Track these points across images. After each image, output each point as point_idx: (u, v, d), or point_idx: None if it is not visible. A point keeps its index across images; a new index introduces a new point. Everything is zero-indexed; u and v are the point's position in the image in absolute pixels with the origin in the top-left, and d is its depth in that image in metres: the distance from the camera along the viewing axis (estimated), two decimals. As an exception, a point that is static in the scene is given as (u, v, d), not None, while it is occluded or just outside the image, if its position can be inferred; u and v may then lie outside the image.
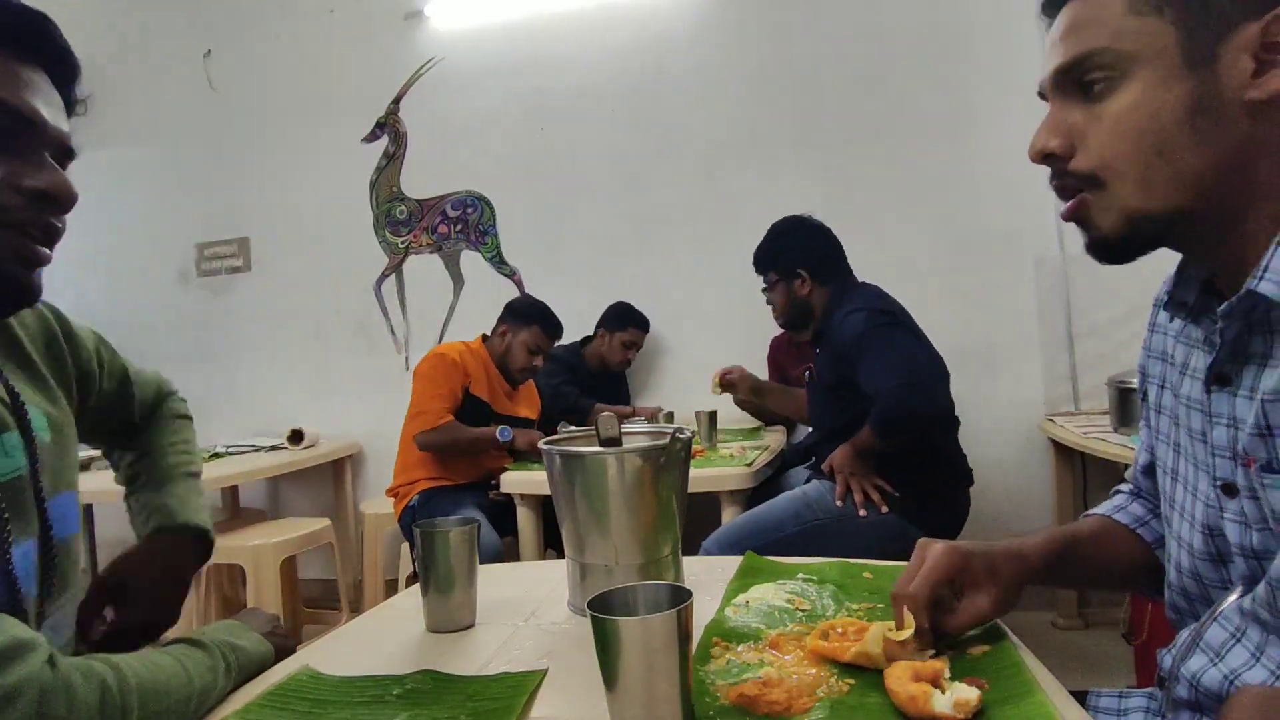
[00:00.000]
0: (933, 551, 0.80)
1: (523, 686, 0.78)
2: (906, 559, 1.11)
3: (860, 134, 3.21)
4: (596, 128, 3.50)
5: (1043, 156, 0.71)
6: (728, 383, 2.73)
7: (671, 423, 2.32)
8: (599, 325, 3.25)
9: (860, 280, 2.27)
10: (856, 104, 3.21)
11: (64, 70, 0.75)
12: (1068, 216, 0.72)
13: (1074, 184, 0.70)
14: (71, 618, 0.88)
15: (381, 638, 0.98)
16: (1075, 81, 0.69)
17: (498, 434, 2.64)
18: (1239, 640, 0.70)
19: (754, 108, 3.35)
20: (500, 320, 2.86)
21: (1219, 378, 0.70)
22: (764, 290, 2.33)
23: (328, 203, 3.80)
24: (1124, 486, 0.99)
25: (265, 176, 3.87)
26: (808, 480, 2.23)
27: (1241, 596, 0.71)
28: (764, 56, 3.32)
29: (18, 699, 0.58)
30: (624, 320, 3.21)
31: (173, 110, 3.90)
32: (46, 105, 0.72)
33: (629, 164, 3.47)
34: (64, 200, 0.71)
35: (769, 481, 2.48)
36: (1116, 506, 0.96)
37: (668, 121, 3.43)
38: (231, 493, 3.64)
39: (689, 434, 1.03)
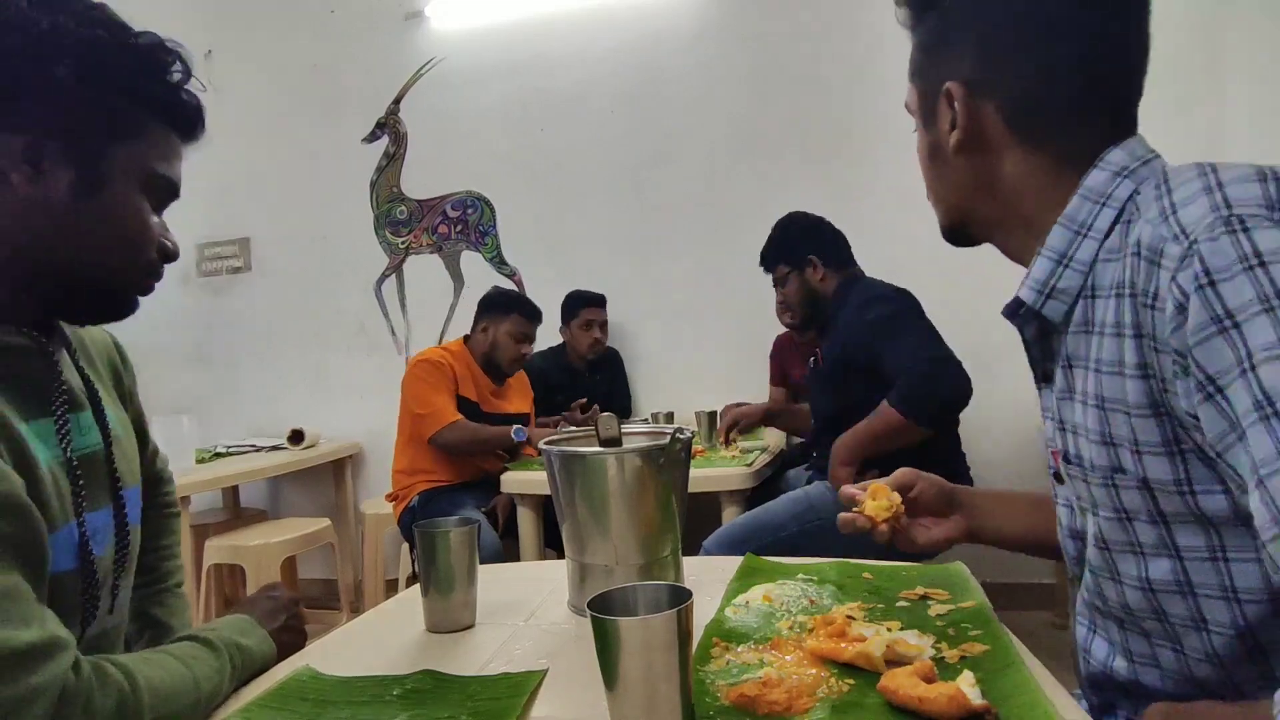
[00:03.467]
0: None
1: (523, 687, 0.78)
2: (908, 560, 1.11)
3: (860, 133, 3.20)
4: (596, 128, 3.50)
5: None
6: (732, 430, 2.60)
7: (671, 423, 2.32)
8: (560, 324, 3.22)
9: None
10: (856, 104, 3.21)
11: (196, 138, 0.89)
12: None
13: None
14: (128, 601, 0.92)
15: (381, 638, 0.98)
16: None
17: (513, 434, 2.62)
18: (1095, 632, 0.78)
19: (754, 107, 3.35)
20: (478, 318, 2.85)
21: (1045, 375, 0.79)
22: (776, 286, 2.31)
23: (328, 203, 3.80)
24: None
25: (265, 176, 3.87)
26: (809, 480, 2.23)
27: (1079, 584, 0.78)
28: (764, 56, 3.32)
29: (40, 699, 0.59)
30: (573, 306, 3.17)
31: (173, 110, 3.90)
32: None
33: (629, 164, 3.47)
34: (177, 255, 0.87)
35: (769, 481, 2.48)
36: None
37: (668, 122, 3.43)
38: (231, 493, 3.65)
39: (689, 434, 1.03)
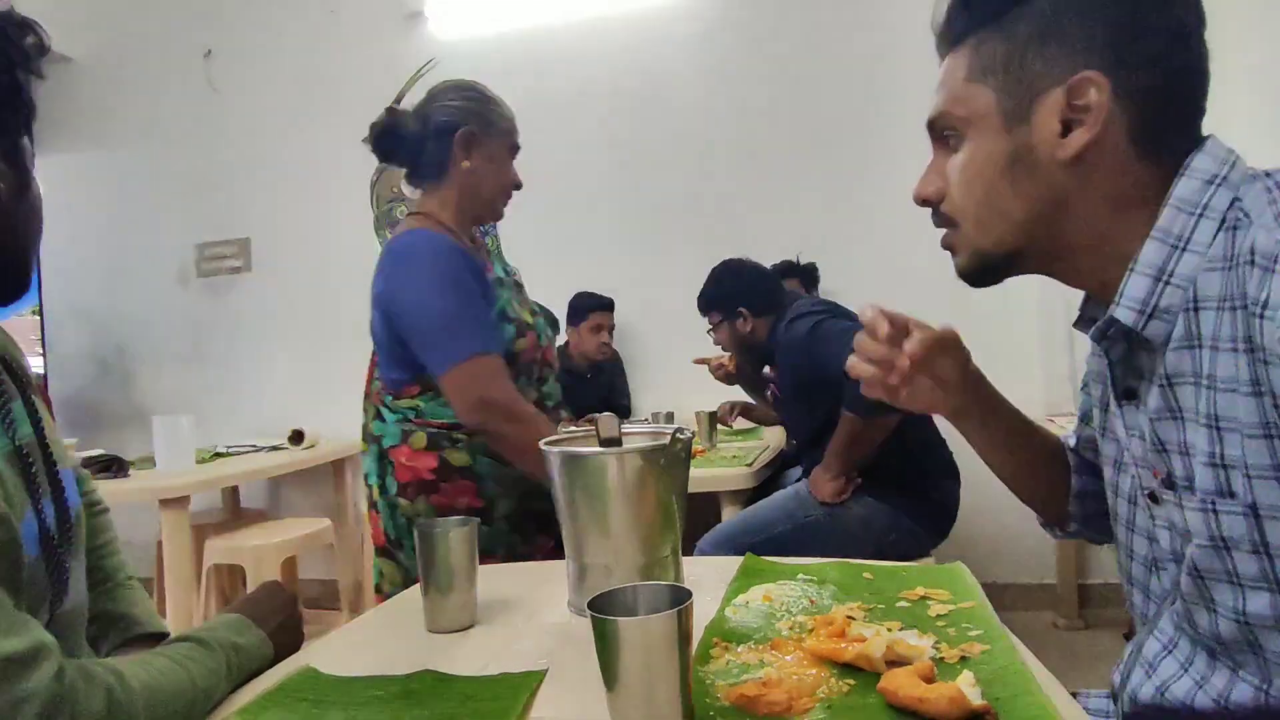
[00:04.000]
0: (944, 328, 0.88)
1: (523, 686, 0.78)
2: (899, 552, 1.11)
3: (860, 135, 3.21)
4: (596, 128, 3.50)
5: (921, 201, 0.81)
6: (720, 371, 2.70)
7: (671, 423, 2.32)
8: (566, 324, 3.22)
9: (822, 293, 2.34)
10: (856, 105, 3.21)
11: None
12: (943, 245, 0.82)
13: (942, 222, 0.81)
14: (84, 579, 0.90)
15: (381, 638, 0.98)
16: (939, 134, 0.79)
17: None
18: (1170, 652, 0.73)
19: (753, 109, 3.35)
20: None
21: (1128, 393, 0.74)
22: (708, 331, 2.40)
23: (327, 203, 3.80)
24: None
25: (265, 176, 3.86)
26: (800, 479, 2.24)
27: (1172, 604, 0.73)
28: (763, 58, 3.32)
29: (28, 705, 0.59)
30: (583, 309, 3.18)
31: (173, 110, 3.90)
32: None
33: (629, 164, 3.47)
34: None
35: (769, 481, 2.49)
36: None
37: (667, 122, 3.43)
38: (231, 493, 3.65)
39: (689, 434, 1.03)
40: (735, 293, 2.31)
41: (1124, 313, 0.69)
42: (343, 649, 0.95)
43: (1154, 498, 0.73)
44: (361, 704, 0.77)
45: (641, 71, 3.45)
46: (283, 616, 0.94)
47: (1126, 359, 0.74)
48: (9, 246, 0.79)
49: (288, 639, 0.93)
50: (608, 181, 3.50)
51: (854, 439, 1.96)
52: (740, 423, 3.09)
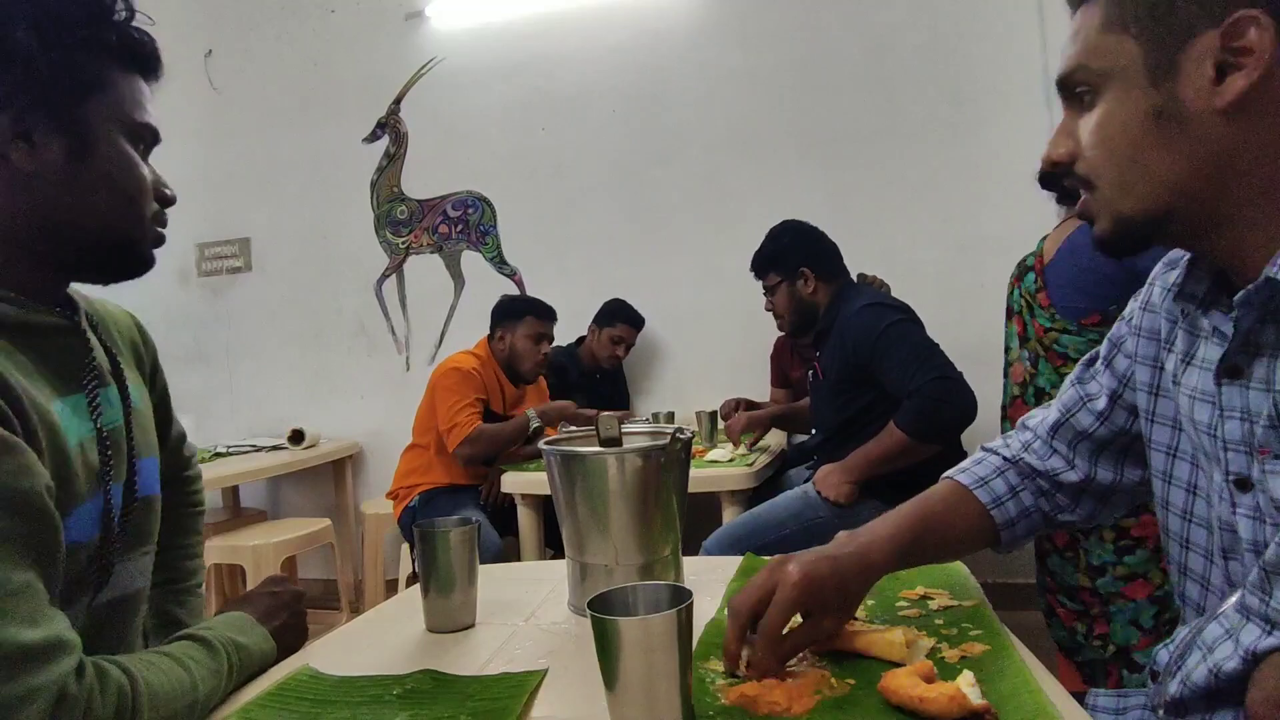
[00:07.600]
0: (784, 583, 0.76)
1: (523, 687, 0.78)
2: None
3: (861, 135, 3.21)
4: (596, 128, 3.50)
5: (1051, 164, 0.74)
6: (733, 432, 2.59)
7: (671, 423, 2.32)
8: (592, 321, 3.23)
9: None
10: (857, 105, 3.21)
11: (157, 75, 0.90)
12: (1079, 214, 0.74)
13: (1076, 186, 0.74)
14: (148, 569, 0.93)
15: (381, 638, 0.98)
16: (1071, 92, 0.72)
17: (529, 420, 2.62)
18: (1231, 637, 0.70)
19: (755, 108, 3.35)
20: (493, 327, 2.83)
21: (1230, 370, 0.69)
22: (766, 293, 2.30)
23: (328, 203, 3.80)
24: (991, 443, 0.97)
25: (265, 176, 3.87)
26: (808, 479, 2.23)
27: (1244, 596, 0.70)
28: (765, 57, 3.32)
29: (37, 699, 0.59)
30: (613, 316, 3.18)
31: (173, 110, 3.90)
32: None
33: (629, 164, 3.47)
34: (175, 199, 0.91)
35: (770, 481, 2.48)
36: (963, 468, 0.96)
37: (668, 121, 3.43)
38: (231, 493, 3.65)
39: (689, 434, 1.03)
40: (798, 251, 2.20)
41: None
42: (343, 649, 0.95)
43: (1242, 484, 0.68)
44: (361, 704, 0.77)
45: (643, 70, 3.45)
46: (287, 614, 0.94)
47: (1253, 332, 0.67)
48: (84, 221, 0.79)
49: (291, 637, 0.93)
50: (608, 180, 3.50)
51: (891, 455, 1.92)
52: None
